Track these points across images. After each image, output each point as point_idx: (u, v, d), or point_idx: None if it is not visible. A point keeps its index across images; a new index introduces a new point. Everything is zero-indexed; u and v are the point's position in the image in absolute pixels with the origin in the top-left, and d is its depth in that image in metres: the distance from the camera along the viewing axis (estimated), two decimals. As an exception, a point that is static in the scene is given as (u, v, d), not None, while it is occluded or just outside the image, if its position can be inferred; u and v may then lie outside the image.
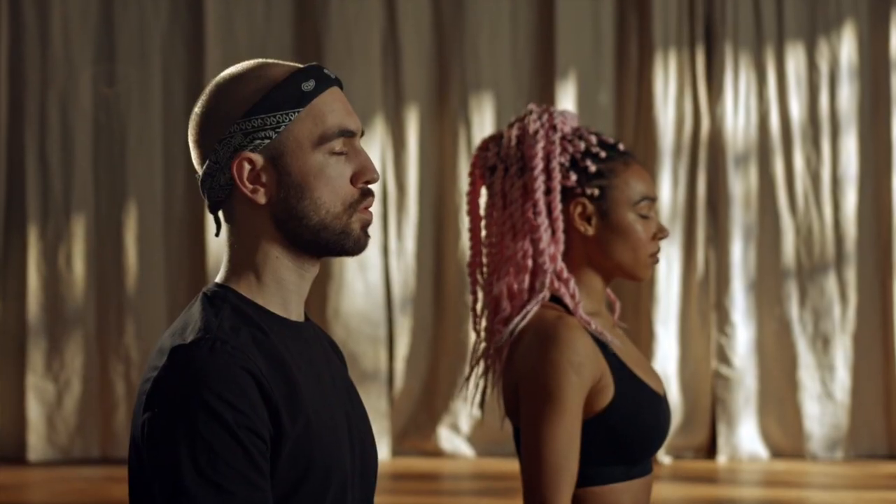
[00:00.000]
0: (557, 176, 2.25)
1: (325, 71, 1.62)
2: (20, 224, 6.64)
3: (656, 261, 2.31)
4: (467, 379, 2.37)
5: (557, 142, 2.27)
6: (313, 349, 1.65)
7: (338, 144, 1.61)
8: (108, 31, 6.67)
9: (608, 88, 6.63)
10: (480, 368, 2.34)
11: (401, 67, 6.68)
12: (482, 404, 2.36)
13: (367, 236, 1.64)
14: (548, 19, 6.63)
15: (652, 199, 2.28)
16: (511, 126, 2.32)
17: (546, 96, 6.61)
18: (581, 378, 2.10)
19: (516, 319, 2.22)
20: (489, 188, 2.32)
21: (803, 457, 6.40)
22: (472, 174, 2.37)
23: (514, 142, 2.29)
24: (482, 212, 2.35)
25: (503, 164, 2.29)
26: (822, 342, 6.43)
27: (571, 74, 6.57)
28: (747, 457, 6.41)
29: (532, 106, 2.32)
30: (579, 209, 2.26)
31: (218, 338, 1.51)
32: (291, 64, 1.63)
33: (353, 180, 1.62)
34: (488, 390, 2.34)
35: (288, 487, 1.52)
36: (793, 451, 6.44)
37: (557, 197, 2.25)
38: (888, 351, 6.45)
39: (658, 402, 2.21)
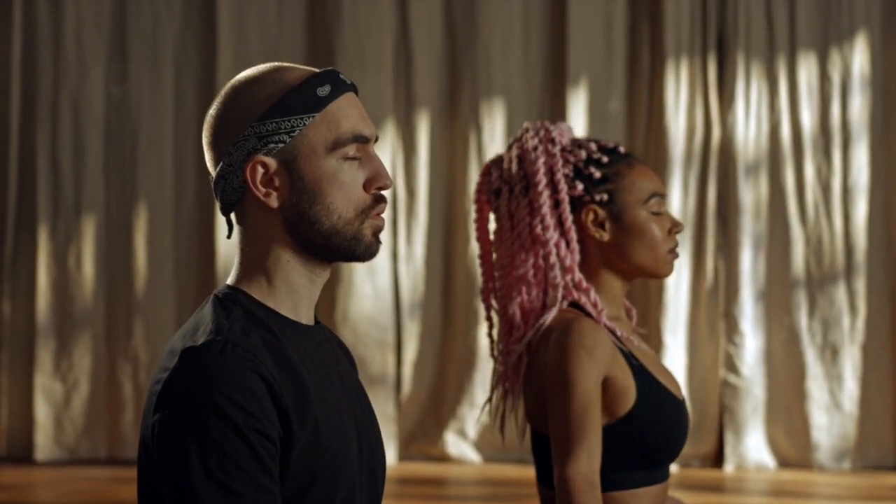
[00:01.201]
0: (564, 187, 2.26)
1: (341, 76, 1.63)
2: (30, 224, 6.66)
3: (676, 255, 2.31)
4: (488, 401, 2.37)
5: (558, 154, 2.28)
6: (323, 352, 1.66)
7: (351, 150, 1.61)
8: (120, 34, 6.68)
9: (619, 96, 6.62)
10: (499, 393, 2.34)
11: (412, 73, 6.68)
12: (502, 428, 2.36)
13: (378, 242, 1.64)
14: (560, 26, 6.63)
15: (661, 195, 2.29)
16: (510, 147, 2.33)
17: (557, 103, 6.61)
18: (593, 360, 2.11)
19: (528, 334, 2.23)
20: (496, 212, 2.33)
21: (810, 467, 6.39)
22: (477, 201, 2.38)
23: (514, 162, 2.30)
24: (491, 237, 2.35)
25: (507, 185, 2.30)
26: (830, 352, 6.41)
27: (583, 81, 6.57)
28: (754, 466, 6.40)
29: (527, 124, 2.34)
30: (591, 216, 2.27)
31: (229, 340, 1.52)
32: (307, 68, 1.63)
33: (366, 186, 1.62)
34: (507, 413, 2.34)
35: (296, 491, 1.53)
36: (800, 461, 6.42)
37: (567, 208, 2.25)
38: (897, 362, 6.44)
39: (678, 406, 2.22)
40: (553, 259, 2.24)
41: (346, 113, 1.61)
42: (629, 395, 2.15)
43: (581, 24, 6.57)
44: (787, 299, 6.45)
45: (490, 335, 2.39)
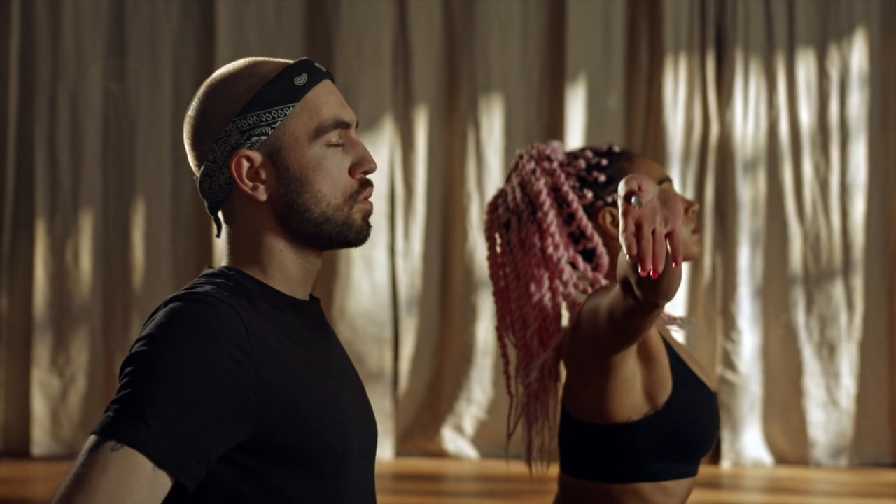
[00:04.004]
0: (574, 198, 2.26)
1: (316, 65, 1.64)
2: (28, 219, 6.66)
3: (699, 233, 2.32)
4: (510, 434, 2.37)
5: (558, 169, 2.29)
6: (320, 325, 1.67)
7: (334, 136, 1.62)
8: (119, 29, 6.68)
9: (618, 92, 6.62)
10: (524, 424, 2.34)
11: (411, 68, 6.68)
12: (529, 459, 2.36)
13: (368, 226, 1.66)
14: (558, 22, 6.63)
15: (668, 180, 2.31)
16: (509, 178, 2.34)
17: (555, 99, 6.61)
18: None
19: (545, 354, 2.24)
20: (509, 244, 2.33)
21: (807, 464, 6.39)
22: (489, 238, 2.37)
23: (517, 190, 2.31)
24: (507, 270, 2.35)
25: (515, 215, 2.31)
26: (827, 349, 6.42)
27: (581, 78, 6.57)
28: (751, 463, 6.40)
29: (519, 151, 2.35)
30: (609, 218, 2.28)
31: (213, 294, 1.52)
32: (282, 60, 1.64)
33: (352, 171, 1.63)
34: (533, 440, 2.34)
35: (284, 460, 1.52)
36: (797, 458, 6.43)
37: (583, 216, 2.26)
38: (894, 359, 6.44)
39: (711, 396, 2.22)
40: (567, 276, 2.25)
41: (325, 100, 1.63)
42: (666, 383, 2.14)
43: (580, 20, 6.56)
44: (785, 296, 6.45)
45: (507, 372, 2.39)
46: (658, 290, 1.71)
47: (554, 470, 2.37)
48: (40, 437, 6.58)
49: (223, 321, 1.49)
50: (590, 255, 2.29)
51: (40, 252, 6.61)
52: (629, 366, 2.12)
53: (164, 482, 1.42)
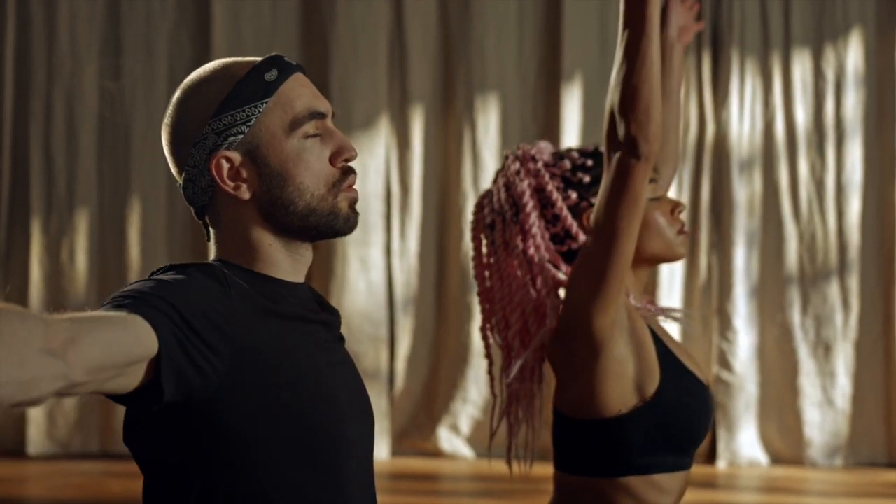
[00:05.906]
0: (559, 199, 2.25)
1: (286, 59, 1.64)
2: (24, 218, 6.66)
3: (686, 234, 2.31)
4: (492, 434, 2.37)
5: (542, 170, 2.28)
6: (309, 306, 1.66)
7: (310, 128, 1.62)
8: (114, 28, 6.69)
9: (614, 92, 6.61)
10: (506, 425, 2.34)
11: (407, 67, 6.68)
12: (510, 461, 2.36)
13: (356, 213, 1.65)
14: (555, 21, 6.63)
15: (654, 181, 2.29)
16: (496, 179, 2.34)
17: (551, 98, 6.61)
18: None
19: (525, 355, 2.23)
20: (493, 245, 2.32)
21: (803, 464, 6.39)
22: (474, 238, 2.37)
23: (502, 191, 2.31)
24: (491, 270, 2.34)
25: (500, 216, 2.31)
26: (823, 349, 6.42)
27: (577, 77, 6.57)
28: (747, 463, 6.40)
29: (506, 151, 2.34)
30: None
31: (197, 265, 1.55)
32: (252, 59, 1.64)
33: (332, 160, 1.63)
34: (514, 439, 2.34)
35: (272, 438, 1.51)
36: (792, 458, 6.43)
37: (568, 216, 2.25)
38: (889, 359, 6.44)
39: (703, 388, 2.22)
40: (549, 277, 2.24)
41: (298, 93, 1.62)
42: (653, 374, 2.14)
43: (576, 19, 6.56)
44: (781, 296, 6.46)
45: (490, 372, 2.38)
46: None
47: (538, 469, 2.37)
48: (36, 437, 6.58)
49: (208, 281, 1.51)
50: (573, 256, 2.28)
51: (36, 251, 6.61)
52: (620, 346, 2.11)
53: (140, 326, 1.40)
